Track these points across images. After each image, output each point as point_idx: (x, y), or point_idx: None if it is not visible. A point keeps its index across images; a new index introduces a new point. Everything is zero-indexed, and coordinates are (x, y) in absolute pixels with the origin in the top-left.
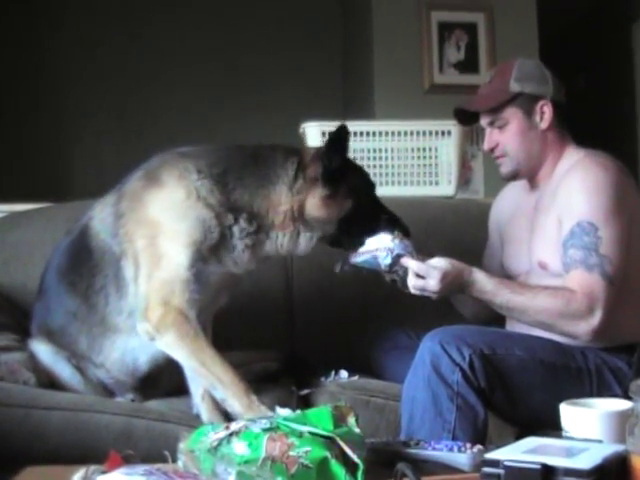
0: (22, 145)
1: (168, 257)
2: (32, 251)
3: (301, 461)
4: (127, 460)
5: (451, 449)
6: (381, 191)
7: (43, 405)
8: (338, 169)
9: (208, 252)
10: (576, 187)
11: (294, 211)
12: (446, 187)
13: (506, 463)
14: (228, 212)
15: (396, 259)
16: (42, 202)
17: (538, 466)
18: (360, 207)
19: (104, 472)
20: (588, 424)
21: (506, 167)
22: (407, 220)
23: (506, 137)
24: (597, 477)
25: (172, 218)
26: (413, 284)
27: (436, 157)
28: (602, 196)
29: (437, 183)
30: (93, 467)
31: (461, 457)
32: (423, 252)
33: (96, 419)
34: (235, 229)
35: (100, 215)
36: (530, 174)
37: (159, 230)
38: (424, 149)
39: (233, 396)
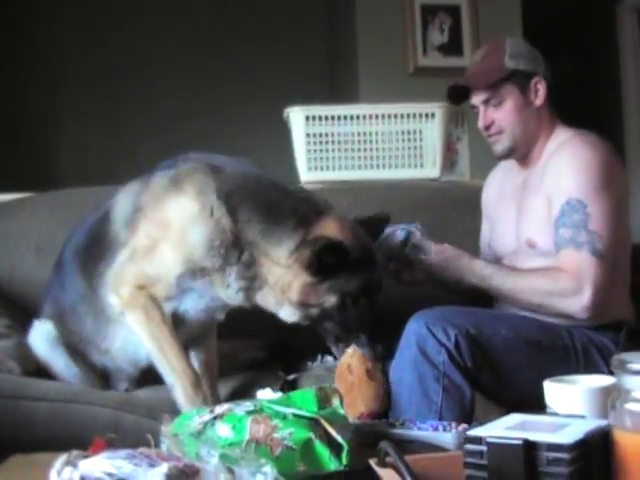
0: (6, 135)
1: (162, 259)
2: (17, 241)
3: (285, 443)
4: (110, 444)
5: (436, 429)
6: (366, 174)
7: (31, 396)
8: (330, 266)
9: (201, 274)
10: (565, 166)
11: (283, 283)
12: (431, 169)
13: (488, 439)
14: (235, 244)
15: (408, 235)
16: (27, 192)
17: (520, 442)
18: (342, 309)
19: (87, 457)
20: (571, 400)
21: (502, 145)
22: (393, 202)
23: (502, 114)
24: (579, 452)
25: (180, 227)
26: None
27: (421, 140)
28: (591, 173)
29: (422, 165)
30: (76, 452)
31: (446, 436)
32: None
33: (84, 411)
34: (234, 268)
35: (123, 202)
36: (524, 152)
37: (165, 234)
38: (409, 132)
39: (181, 386)
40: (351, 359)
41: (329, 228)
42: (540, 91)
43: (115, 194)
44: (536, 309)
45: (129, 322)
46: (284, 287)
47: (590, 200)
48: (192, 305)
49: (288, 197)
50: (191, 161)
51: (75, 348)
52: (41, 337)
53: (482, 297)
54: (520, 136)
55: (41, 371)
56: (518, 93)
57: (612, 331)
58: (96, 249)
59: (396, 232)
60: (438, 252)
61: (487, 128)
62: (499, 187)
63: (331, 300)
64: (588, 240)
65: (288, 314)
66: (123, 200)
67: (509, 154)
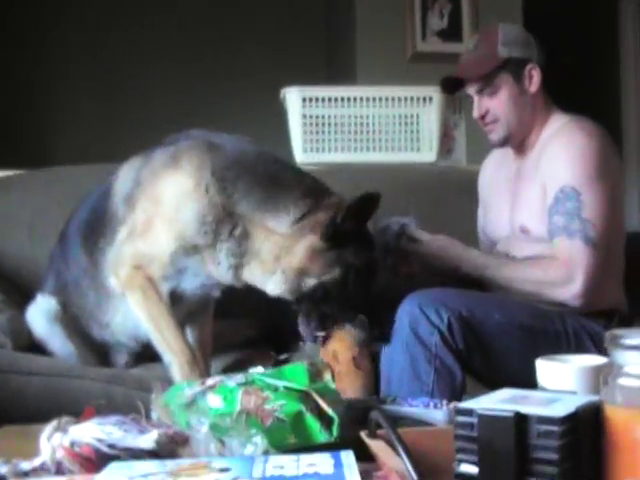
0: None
1: (156, 236)
2: (10, 218)
3: (276, 414)
4: (100, 411)
5: (427, 405)
6: (363, 157)
7: (23, 370)
8: (345, 232)
9: (193, 251)
10: (560, 153)
11: (282, 248)
12: (427, 154)
13: (479, 412)
14: (228, 220)
15: (403, 227)
16: (20, 169)
17: (511, 414)
18: (342, 284)
19: (77, 423)
20: (563, 379)
21: (497, 134)
22: (388, 186)
23: (497, 103)
24: (570, 425)
25: (174, 204)
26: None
27: (418, 124)
28: (585, 161)
29: (419, 149)
30: (66, 418)
31: (437, 413)
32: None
33: (75, 385)
34: (224, 245)
35: (124, 177)
36: (520, 139)
37: (159, 210)
38: (406, 116)
39: (177, 364)
40: (337, 345)
41: (340, 200)
42: (534, 77)
43: (117, 169)
44: (529, 298)
45: (128, 302)
46: (282, 254)
47: (584, 188)
48: (189, 283)
49: (292, 171)
50: (192, 138)
51: (77, 322)
52: (41, 313)
53: (479, 284)
54: (515, 124)
55: (34, 346)
56: (512, 81)
57: (604, 318)
58: (97, 224)
59: (390, 225)
60: (432, 242)
61: (482, 117)
62: (494, 173)
63: (334, 272)
64: (581, 228)
65: (277, 284)
66: (124, 175)
67: (505, 142)
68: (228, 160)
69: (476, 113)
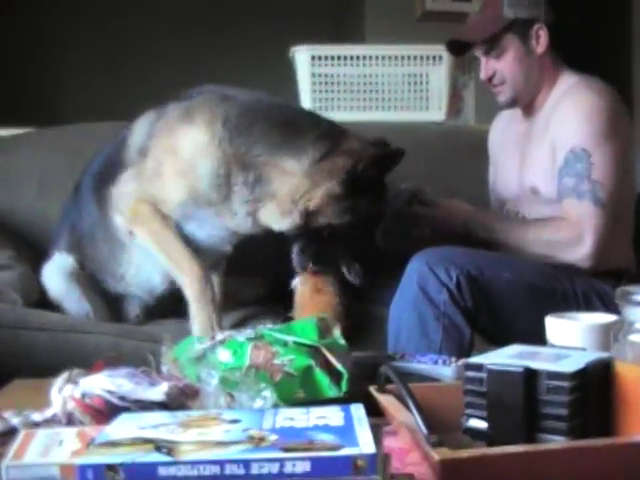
0: (7, 69)
1: (164, 183)
2: (19, 176)
3: (285, 369)
4: (110, 363)
5: (436, 362)
6: (371, 116)
7: (31, 326)
8: (364, 181)
9: (206, 204)
10: (569, 114)
11: (299, 189)
12: (436, 113)
13: (489, 367)
14: (241, 170)
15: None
16: (29, 127)
17: (521, 369)
18: (350, 231)
19: (88, 375)
20: (572, 336)
21: (504, 95)
22: (397, 144)
23: (504, 65)
24: (579, 381)
25: (188, 158)
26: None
27: (427, 83)
28: (595, 121)
29: (427, 108)
30: (77, 370)
31: (445, 370)
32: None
33: (84, 339)
34: (238, 195)
35: (139, 130)
36: (527, 101)
37: (172, 160)
38: (415, 75)
39: (189, 283)
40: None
41: (360, 144)
42: (541, 38)
43: (132, 123)
44: (540, 260)
45: (137, 238)
46: (299, 195)
47: (594, 149)
48: (192, 231)
49: (308, 115)
50: (205, 93)
51: (93, 280)
52: (58, 271)
53: (489, 247)
54: (523, 85)
55: (44, 303)
56: (519, 42)
57: (613, 278)
58: (109, 174)
59: (401, 192)
60: (443, 206)
61: (489, 79)
62: (503, 133)
63: (345, 218)
64: (590, 189)
65: (289, 225)
66: (139, 129)
67: (513, 104)
68: (242, 107)
69: (483, 75)
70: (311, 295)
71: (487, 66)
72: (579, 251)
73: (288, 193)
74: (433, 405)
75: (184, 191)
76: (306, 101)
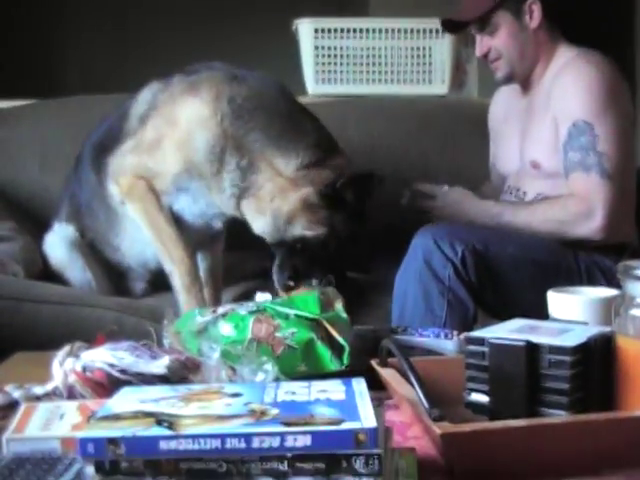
0: (9, 40)
1: (163, 154)
2: (21, 148)
3: (287, 342)
4: (112, 337)
5: (438, 335)
6: (374, 89)
7: (33, 298)
8: (343, 200)
9: (199, 176)
10: (569, 88)
11: (279, 190)
12: (439, 86)
13: (491, 340)
14: (237, 152)
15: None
16: (31, 98)
17: (523, 343)
18: (323, 245)
19: (89, 348)
20: (574, 311)
21: (501, 71)
22: (400, 117)
23: (498, 41)
24: (581, 355)
25: (187, 129)
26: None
27: (430, 56)
28: (595, 93)
29: (430, 82)
30: (78, 344)
31: (447, 343)
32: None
33: (86, 313)
34: (230, 175)
35: (142, 99)
36: (524, 76)
37: (171, 131)
38: (418, 48)
39: (177, 273)
40: None
41: (346, 162)
42: (535, 12)
43: (136, 93)
44: (553, 238)
45: (129, 211)
46: (278, 196)
47: (596, 120)
48: (187, 206)
49: (311, 118)
50: (214, 69)
51: (94, 249)
52: (59, 240)
53: None
54: (518, 60)
55: (46, 274)
56: (511, 18)
57: (615, 253)
58: (108, 143)
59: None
60: (447, 195)
61: (485, 56)
62: (504, 108)
63: (318, 231)
64: (597, 162)
65: (263, 225)
66: (142, 98)
67: (510, 79)
68: (250, 90)
69: (478, 52)
70: None
71: (482, 43)
72: (591, 225)
73: (269, 191)
74: (435, 379)
75: (180, 163)
76: (309, 74)
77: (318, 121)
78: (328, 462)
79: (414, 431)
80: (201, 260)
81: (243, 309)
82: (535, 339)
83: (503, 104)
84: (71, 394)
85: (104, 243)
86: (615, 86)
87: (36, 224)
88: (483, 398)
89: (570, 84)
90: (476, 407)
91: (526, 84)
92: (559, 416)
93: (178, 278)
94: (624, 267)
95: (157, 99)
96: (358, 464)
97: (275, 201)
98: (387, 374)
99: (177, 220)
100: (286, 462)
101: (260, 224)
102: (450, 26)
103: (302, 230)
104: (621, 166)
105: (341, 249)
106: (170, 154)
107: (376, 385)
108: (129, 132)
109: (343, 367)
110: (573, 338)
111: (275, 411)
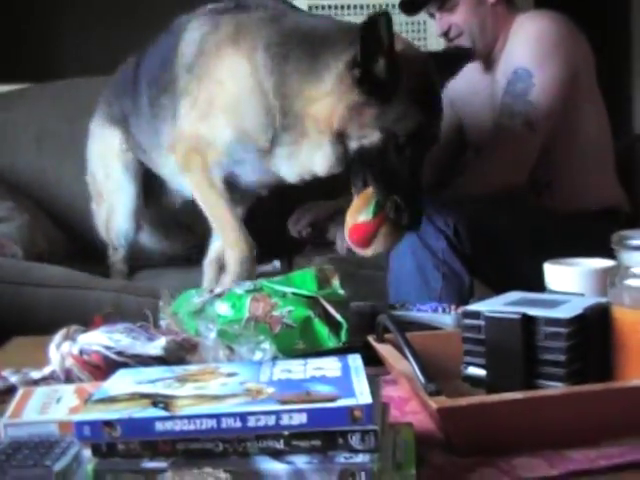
0: (5, 23)
1: (215, 122)
2: (18, 132)
3: (284, 321)
4: (108, 319)
5: (435, 310)
6: None
7: (33, 281)
8: (382, 81)
9: (253, 145)
10: (519, 38)
11: (324, 114)
12: None
13: (486, 314)
14: (279, 103)
15: None
16: (28, 82)
17: (518, 316)
18: (383, 152)
19: (86, 331)
20: (570, 282)
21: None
22: None
23: (458, 17)
24: (577, 327)
25: (234, 94)
26: None
27: (425, 31)
28: (541, 42)
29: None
30: (75, 327)
31: (445, 318)
32: None
33: (86, 295)
34: (279, 138)
35: (190, 37)
36: (486, 51)
37: (220, 94)
38: (413, 22)
39: (234, 259)
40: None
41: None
42: None
43: (187, 20)
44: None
45: (185, 180)
46: (324, 120)
47: (537, 69)
48: (244, 176)
49: (342, 25)
50: (261, 7)
51: (135, 153)
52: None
53: None
54: (479, 35)
55: (45, 255)
56: None
57: (610, 220)
58: (161, 79)
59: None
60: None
61: (446, 34)
62: (468, 88)
63: (373, 136)
64: (523, 111)
65: (323, 158)
66: (190, 36)
67: (472, 56)
68: (282, 34)
69: (439, 30)
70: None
71: (442, 21)
72: (514, 173)
73: (315, 121)
74: (432, 353)
75: (231, 131)
76: None
77: (351, 25)
78: (324, 439)
79: (412, 406)
80: None
81: (240, 288)
82: (531, 311)
83: (466, 83)
84: (68, 377)
85: (146, 157)
86: (565, 36)
87: (34, 204)
88: (480, 372)
89: (520, 37)
90: (473, 381)
91: (488, 61)
92: (556, 388)
93: (233, 264)
94: (619, 237)
95: (205, 42)
96: (354, 440)
97: (323, 128)
98: (384, 350)
99: (232, 186)
100: (282, 440)
101: (320, 161)
102: (409, 6)
103: (358, 141)
104: (553, 119)
105: (406, 152)
106: (221, 122)
107: (374, 361)
108: (178, 82)
109: (341, 344)
110: (569, 310)
111: (271, 390)
